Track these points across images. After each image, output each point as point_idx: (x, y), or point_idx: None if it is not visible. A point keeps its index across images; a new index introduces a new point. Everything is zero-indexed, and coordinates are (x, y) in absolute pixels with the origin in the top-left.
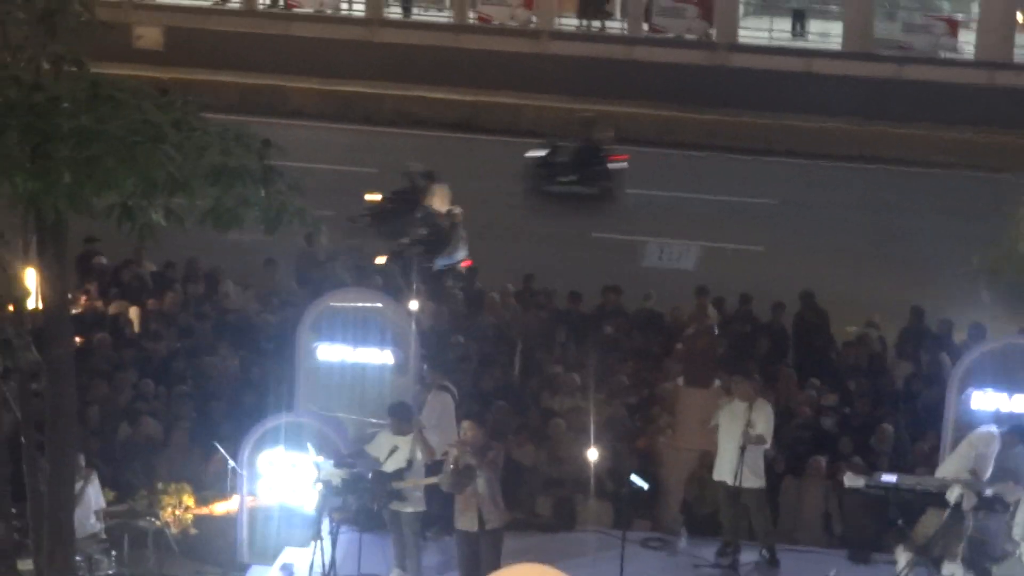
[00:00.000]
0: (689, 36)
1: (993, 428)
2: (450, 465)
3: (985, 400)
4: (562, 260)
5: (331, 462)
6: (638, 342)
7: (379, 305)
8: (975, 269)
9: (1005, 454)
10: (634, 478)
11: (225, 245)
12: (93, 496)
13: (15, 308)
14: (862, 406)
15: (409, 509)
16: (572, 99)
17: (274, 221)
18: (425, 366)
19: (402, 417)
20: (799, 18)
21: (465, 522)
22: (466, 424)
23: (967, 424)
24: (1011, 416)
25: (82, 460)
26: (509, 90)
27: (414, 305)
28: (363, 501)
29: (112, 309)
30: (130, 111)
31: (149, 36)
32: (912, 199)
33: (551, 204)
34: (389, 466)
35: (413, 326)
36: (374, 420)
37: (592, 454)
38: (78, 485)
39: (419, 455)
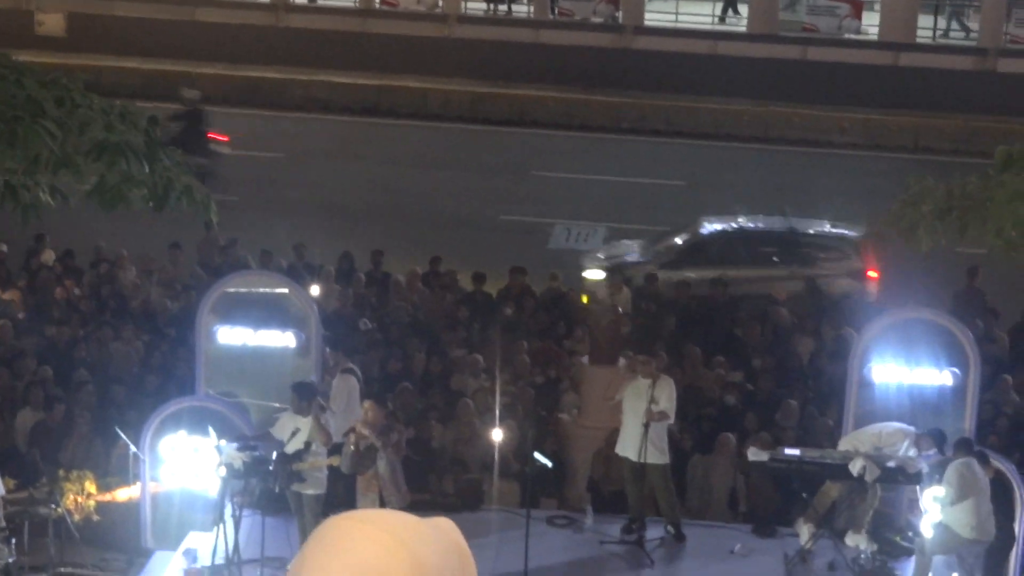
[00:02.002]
0: (595, 19)
1: (908, 428)
2: (351, 447)
3: (886, 372)
4: (471, 243)
5: (233, 445)
6: (543, 322)
7: (280, 290)
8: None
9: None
10: (537, 456)
11: (133, 231)
12: None
13: None
14: (765, 383)
15: (310, 491)
16: (479, 83)
17: (161, 199)
18: (328, 349)
19: (302, 395)
20: (731, 4)
21: (366, 504)
22: (367, 404)
23: (869, 398)
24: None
25: None
26: (416, 74)
27: (315, 290)
28: (265, 483)
29: (6, 296)
30: (11, 87)
31: (51, 22)
32: (815, 180)
33: (462, 187)
34: (291, 447)
35: (315, 309)
36: (277, 404)
37: (496, 434)
38: None
39: (315, 434)
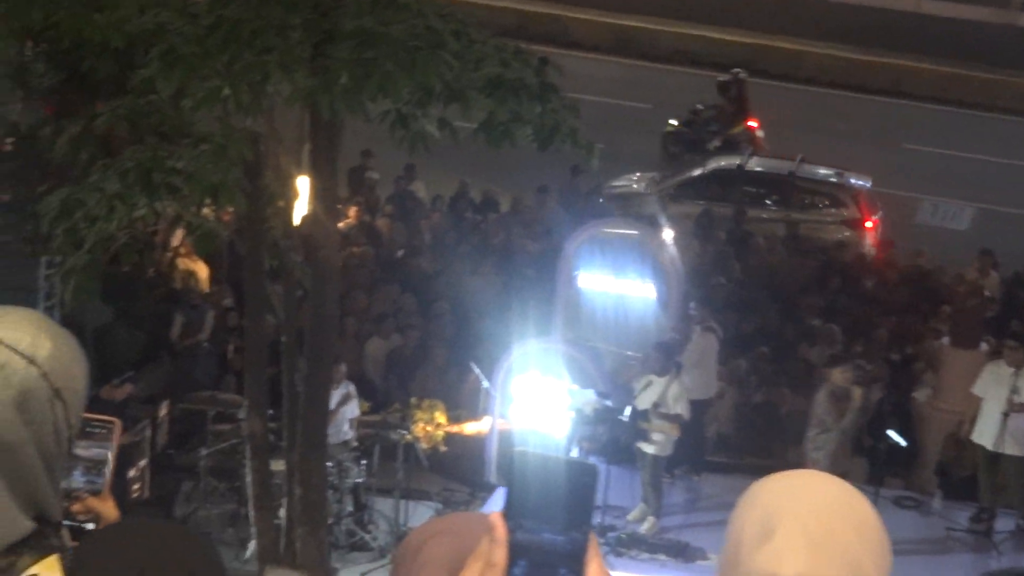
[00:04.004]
0: None
1: None
2: None
3: None
4: None
5: (586, 391)
6: (905, 298)
7: (636, 234)
8: None
9: None
10: (891, 434)
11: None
12: (349, 405)
13: (284, 210)
14: None
15: (652, 451)
16: (855, 49)
17: (546, 139)
18: (692, 304)
19: (665, 355)
20: None
21: None
22: None
23: None
24: None
25: (343, 368)
26: (791, 36)
27: (669, 235)
28: (613, 433)
29: (380, 224)
30: (412, 16)
31: None
32: None
33: (828, 154)
34: (641, 403)
35: (677, 262)
36: (631, 353)
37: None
38: (337, 392)
39: (669, 398)
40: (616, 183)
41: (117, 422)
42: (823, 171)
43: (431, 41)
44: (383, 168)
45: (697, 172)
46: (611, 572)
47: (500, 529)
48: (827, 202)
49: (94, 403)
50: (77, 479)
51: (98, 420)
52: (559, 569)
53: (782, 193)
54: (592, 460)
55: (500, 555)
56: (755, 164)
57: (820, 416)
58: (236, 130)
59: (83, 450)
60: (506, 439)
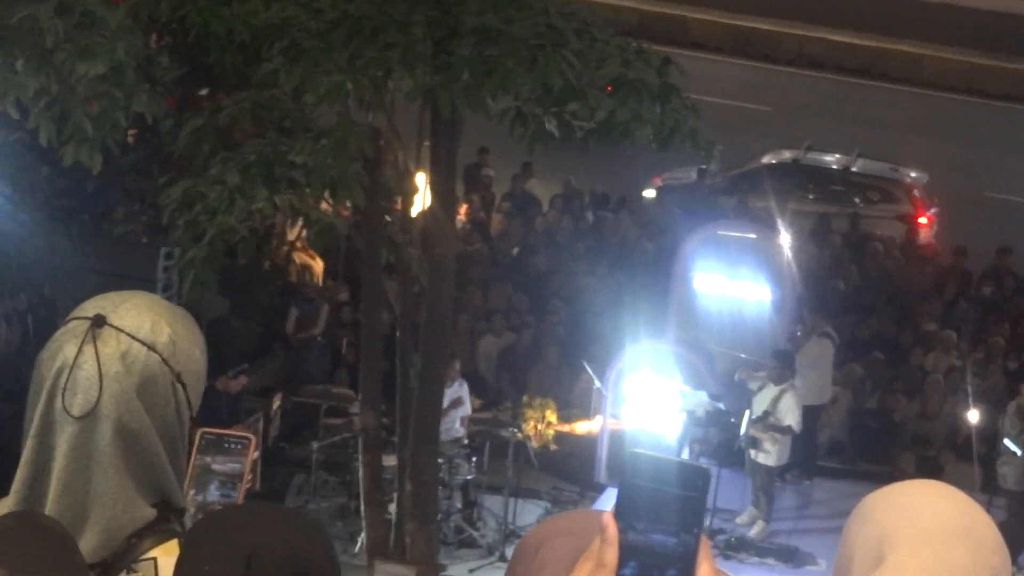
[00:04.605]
0: None
1: None
2: None
3: None
4: (953, 216)
5: (699, 393)
6: (1022, 306)
7: (753, 236)
8: None
9: None
10: (1008, 443)
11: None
12: (462, 402)
13: (402, 205)
14: None
15: (761, 459)
16: (977, 53)
17: (666, 139)
18: (807, 310)
19: (783, 364)
20: None
21: None
22: None
23: None
24: None
25: (457, 365)
26: (913, 39)
27: (786, 239)
28: (725, 436)
29: (495, 222)
30: (534, 14)
31: None
32: None
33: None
34: (756, 411)
35: (793, 266)
36: (744, 355)
37: (972, 415)
38: (450, 390)
39: (781, 408)
40: (674, 174)
41: (253, 438)
42: (878, 166)
43: (553, 39)
44: (499, 166)
45: (751, 165)
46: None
47: (611, 529)
48: (881, 196)
49: (209, 394)
50: (212, 493)
51: (234, 436)
52: (668, 571)
53: (836, 187)
54: (704, 463)
55: (611, 555)
56: (809, 158)
57: (1007, 431)
58: (356, 125)
59: (219, 465)
60: (617, 439)
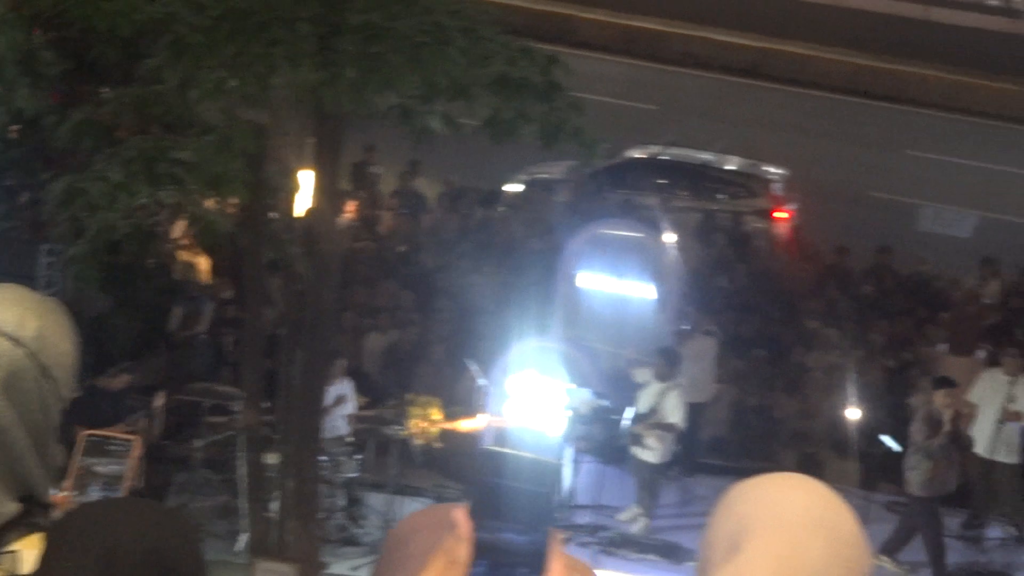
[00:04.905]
0: (991, 1)
1: None
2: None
3: None
4: (834, 215)
5: (584, 391)
6: (903, 304)
7: (646, 243)
8: None
9: None
10: (885, 439)
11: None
12: (346, 400)
13: (285, 203)
14: None
15: (644, 457)
16: (859, 54)
17: (551, 137)
18: (691, 307)
19: (668, 361)
20: None
21: None
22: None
23: None
24: None
25: (341, 363)
26: (798, 40)
27: (671, 238)
28: (609, 434)
29: (381, 219)
30: (420, 12)
31: None
32: None
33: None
34: (640, 408)
35: (677, 263)
36: (629, 353)
37: (852, 413)
38: (334, 387)
39: (666, 406)
40: (538, 169)
41: (137, 439)
42: (735, 161)
43: (438, 37)
44: (388, 164)
45: (612, 161)
46: (601, 571)
47: (464, 525)
48: (738, 192)
49: (91, 392)
50: (93, 494)
51: (119, 438)
52: (520, 569)
53: (694, 182)
54: (555, 460)
55: (463, 551)
56: (669, 154)
57: (914, 436)
58: (241, 122)
59: (102, 467)
60: (501, 437)
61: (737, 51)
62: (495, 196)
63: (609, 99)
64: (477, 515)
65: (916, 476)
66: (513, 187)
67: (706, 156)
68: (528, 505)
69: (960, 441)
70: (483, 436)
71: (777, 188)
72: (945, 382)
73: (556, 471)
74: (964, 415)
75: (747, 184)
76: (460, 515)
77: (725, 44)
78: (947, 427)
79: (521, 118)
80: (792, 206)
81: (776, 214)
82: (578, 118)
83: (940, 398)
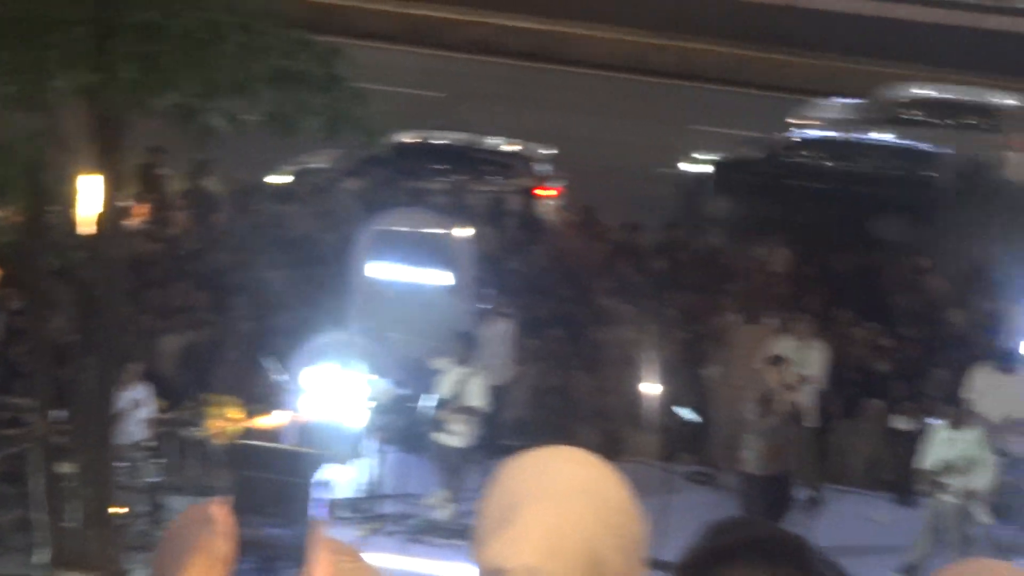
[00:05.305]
0: None
1: None
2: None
3: None
4: (624, 192)
5: (383, 381)
6: (695, 277)
7: (436, 230)
8: None
9: None
10: (682, 411)
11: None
12: (143, 404)
13: (66, 209)
14: (915, 351)
15: (449, 442)
16: (646, 33)
17: (334, 129)
18: (486, 291)
19: (466, 346)
20: None
21: None
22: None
23: None
24: None
25: (136, 367)
26: (584, 21)
27: (468, 231)
28: (410, 422)
29: (172, 220)
30: (197, 9)
31: None
32: None
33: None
34: (442, 394)
35: (470, 249)
36: (427, 342)
37: (643, 387)
38: (130, 392)
39: (468, 390)
40: (305, 159)
41: None
42: (500, 142)
43: (215, 34)
44: (177, 164)
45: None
46: (409, 560)
47: (222, 520)
48: (502, 172)
49: None
50: None
51: None
52: (284, 563)
53: (461, 164)
54: (311, 449)
55: (223, 547)
56: (436, 137)
57: (748, 416)
58: (19, 128)
59: None
60: (305, 432)
61: (521, 35)
62: (290, 191)
63: (397, 89)
64: (239, 510)
65: (750, 455)
66: (281, 178)
67: (470, 138)
68: (288, 497)
69: (796, 418)
70: (285, 432)
71: (541, 167)
72: (777, 359)
73: (313, 461)
74: (794, 389)
75: (511, 164)
76: (219, 511)
77: (509, 29)
78: (781, 405)
79: (303, 111)
80: (559, 184)
81: (540, 192)
82: (362, 109)
83: (773, 375)
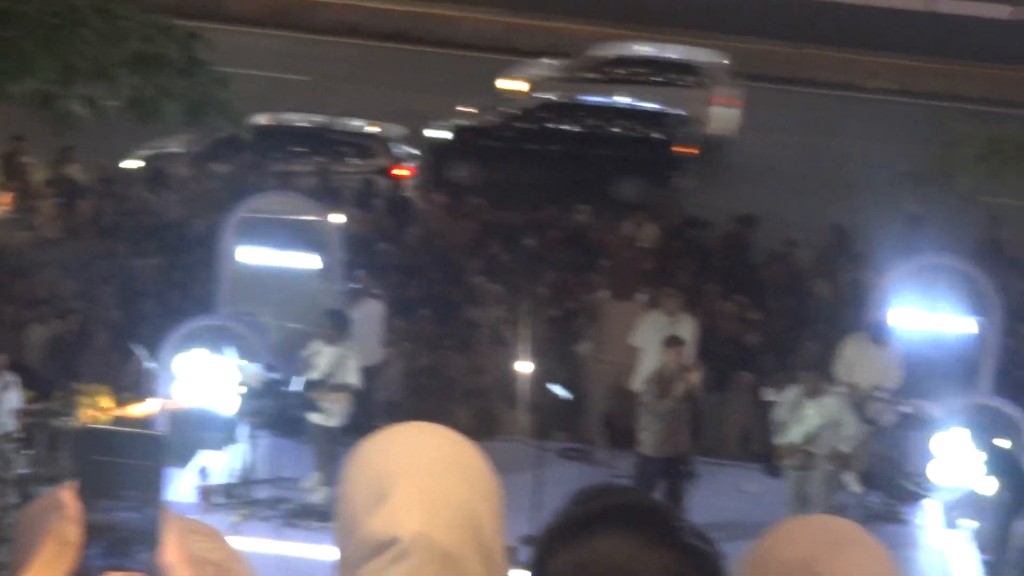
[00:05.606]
0: None
1: None
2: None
3: (907, 318)
4: None
5: (253, 366)
6: (565, 254)
7: (303, 214)
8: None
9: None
10: (555, 388)
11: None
12: (10, 395)
13: None
14: (782, 323)
15: (324, 422)
16: (512, 13)
17: (195, 114)
18: (357, 272)
19: (335, 324)
20: None
21: None
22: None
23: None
24: None
25: (4, 358)
26: (447, 2)
27: (334, 213)
28: (282, 406)
29: (37, 209)
30: None
31: None
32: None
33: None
34: (314, 375)
35: (337, 231)
36: (298, 326)
37: (514, 365)
38: None
39: (341, 368)
40: (159, 144)
41: None
42: (356, 124)
43: (71, 19)
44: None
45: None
46: (286, 544)
47: (71, 505)
48: (360, 153)
49: None
50: None
51: None
52: (136, 547)
53: (318, 146)
54: (157, 431)
55: (72, 532)
56: (293, 120)
57: (645, 395)
58: None
59: None
60: (179, 419)
61: (384, 17)
62: (161, 177)
63: (261, 72)
64: (87, 495)
65: (648, 437)
66: (135, 163)
67: (328, 120)
68: (136, 481)
69: (692, 399)
70: (158, 419)
71: (398, 148)
72: (675, 340)
73: (161, 444)
74: (690, 371)
75: (369, 145)
76: (67, 496)
77: (372, 10)
78: (678, 387)
79: (163, 95)
80: (415, 164)
81: (395, 172)
82: (223, 93)
83: (670, 357)
